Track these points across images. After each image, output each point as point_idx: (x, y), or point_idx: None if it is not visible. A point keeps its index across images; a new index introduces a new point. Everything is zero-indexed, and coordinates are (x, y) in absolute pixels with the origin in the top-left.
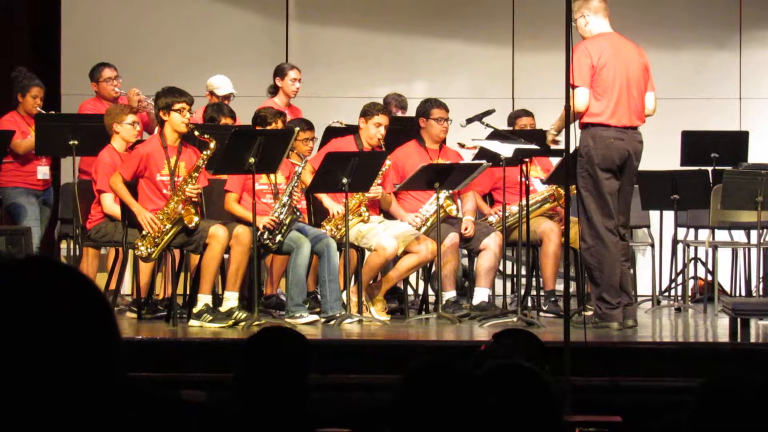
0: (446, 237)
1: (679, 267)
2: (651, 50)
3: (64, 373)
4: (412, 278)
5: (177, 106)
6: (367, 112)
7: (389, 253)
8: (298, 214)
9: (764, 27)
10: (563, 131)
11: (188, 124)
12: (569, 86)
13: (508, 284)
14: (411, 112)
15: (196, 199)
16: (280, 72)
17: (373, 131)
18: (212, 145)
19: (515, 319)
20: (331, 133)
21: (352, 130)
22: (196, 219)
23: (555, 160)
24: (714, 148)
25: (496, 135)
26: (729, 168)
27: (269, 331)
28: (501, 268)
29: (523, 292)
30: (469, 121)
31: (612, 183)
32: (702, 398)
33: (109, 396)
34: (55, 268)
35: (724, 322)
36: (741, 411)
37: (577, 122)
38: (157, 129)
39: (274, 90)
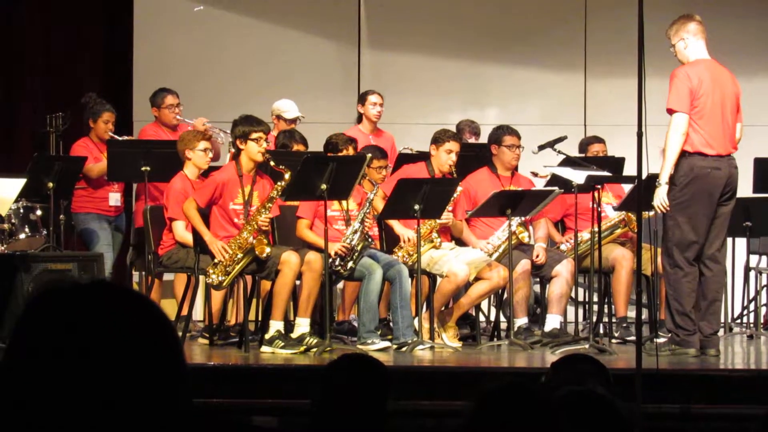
0: (518, 264)
1: (752, 294)
2: None
3: (127, 399)
4: (484, 305)
5: (254, 135)
6: (438, 139)
7: (461, 279)
8: (369, 240)
9: None
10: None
11: (265, 153)
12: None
13: (580, 311)
14: (484, 138)
15: (266, 228)
16: (361, 99)
17: (444, 158)
18: (287, 176)
19: (587, 346)
20: (403, 159)
21: (424, 156)
22: (267, 250)
23: (627, 187)
24: None
25: (568, 162)
26: None
27: (349, 357)
28: (573, 295)
29: (594, 318)
30: (541, 147)
31: (705, 212)
32: (764, 426)
33: (174, 422)
34: (117, 292)
35: None
36: None
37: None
38: (228, 156)
39: (358, 118)
